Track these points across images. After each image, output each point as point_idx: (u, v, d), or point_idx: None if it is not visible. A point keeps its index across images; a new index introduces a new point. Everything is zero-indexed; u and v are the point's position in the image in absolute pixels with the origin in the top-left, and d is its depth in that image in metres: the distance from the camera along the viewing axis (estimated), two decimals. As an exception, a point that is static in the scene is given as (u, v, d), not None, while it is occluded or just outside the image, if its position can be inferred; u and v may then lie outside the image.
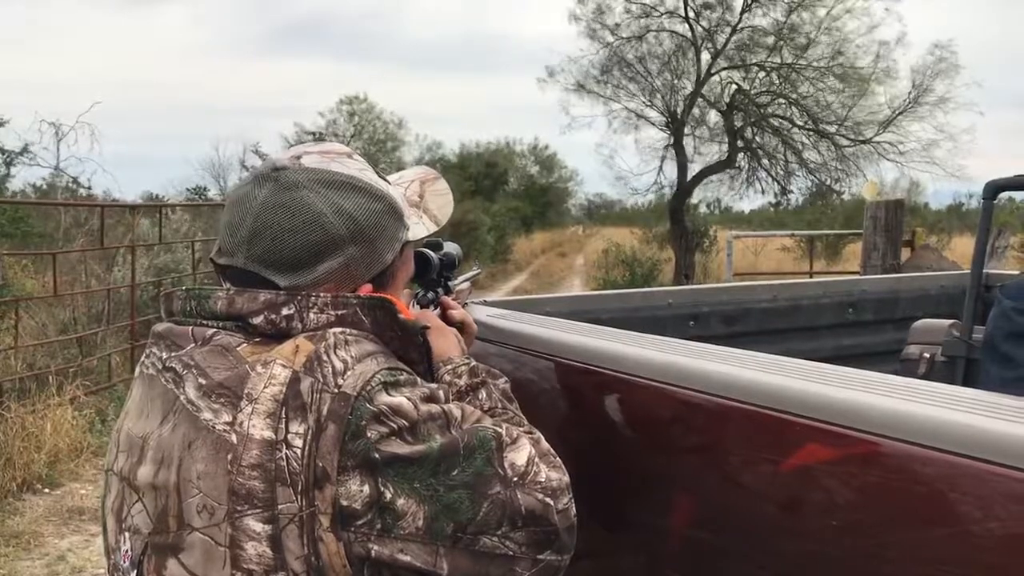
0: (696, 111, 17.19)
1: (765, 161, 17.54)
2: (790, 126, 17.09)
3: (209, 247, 7.68)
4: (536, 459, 1.00)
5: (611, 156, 19.43)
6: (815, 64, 16.28)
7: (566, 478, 1.02)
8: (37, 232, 10.37)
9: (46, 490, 4.83)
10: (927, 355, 2.25)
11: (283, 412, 0.90)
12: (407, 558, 0.90)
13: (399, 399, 0.92)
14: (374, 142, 31.33)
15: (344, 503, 0.88)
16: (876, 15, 15.75)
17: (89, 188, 12.25)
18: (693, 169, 17.33)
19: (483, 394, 1.15)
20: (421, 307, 1.38)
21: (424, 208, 1.20)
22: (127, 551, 0.98)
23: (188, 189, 21.41)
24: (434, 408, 0.95)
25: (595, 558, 1.31)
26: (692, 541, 1.22)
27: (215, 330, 0.99)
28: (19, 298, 6.89)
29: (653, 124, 17.51)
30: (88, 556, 4.06)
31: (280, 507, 0.89)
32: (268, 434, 0.90)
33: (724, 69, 16.95)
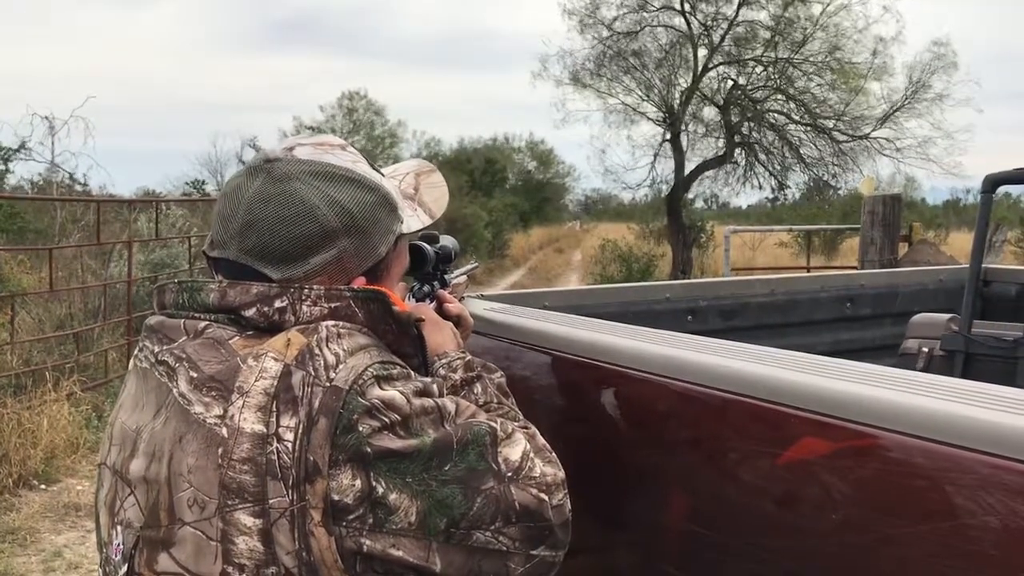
0: (692, 106, 17.18)
1: (762, 156, 17.55)
2: (787, 121, 17.08)
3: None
4: (531, 454, 0.99)
5: (603, 151, 19.40)
6: (811, 60, 16.27)
7: (561, 473, 1.01)
8: (33, 228, 10.33)
9: (42, 486, 4.82)
10: (925, 349, 2.25)
11: (274, 406, 0.89)
12: (399, 553, 0.89)
13: (391, 393, 0.91)
14: (372, 138, 31.27)
15: (335, 497, 0.87)
16: (872, 13, 15.79)
17: (85, 184, 12.18)
18: (690, 165, 17.33)
19: (478, 388, 1.14)
20: (417, 300, 1.36)
21: (419, 201, 1.19)
22: (119, 545, 0.97)
23: (185, 183, 21.34)
24: (427, 402, 0.94)
25: (591, 553, 1.30)
26: (689, 536, 1.21)
27: (207, 323, 0.98)
28: (15, 293, 6.87)
29: (650, 119, 17.51)
30: (84, 552, 4.05)
31: (271, 501, 0.88)
32: (259, 428, 0.89)
33: (721, 64, 16.94)
